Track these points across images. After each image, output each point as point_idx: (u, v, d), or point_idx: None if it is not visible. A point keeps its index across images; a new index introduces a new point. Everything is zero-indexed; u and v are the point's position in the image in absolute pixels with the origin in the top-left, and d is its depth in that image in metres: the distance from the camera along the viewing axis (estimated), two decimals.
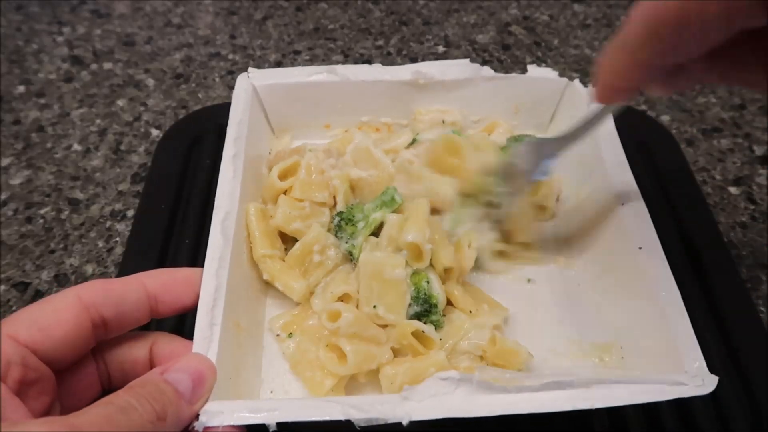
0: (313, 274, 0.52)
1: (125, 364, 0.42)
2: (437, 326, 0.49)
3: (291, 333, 0.50)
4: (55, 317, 0.37)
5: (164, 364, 0.39)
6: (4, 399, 0.33)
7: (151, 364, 0.43)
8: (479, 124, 0.65)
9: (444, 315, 0.50)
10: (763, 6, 0.26)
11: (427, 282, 0.49)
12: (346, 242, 0.52)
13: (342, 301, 0.49)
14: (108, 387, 0.42)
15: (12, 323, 0.36)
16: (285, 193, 0.55)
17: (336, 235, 0.53)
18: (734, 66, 0.34)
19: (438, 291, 0.50)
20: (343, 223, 0.53)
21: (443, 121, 0.63)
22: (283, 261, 0.53)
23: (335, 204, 0.56)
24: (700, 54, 0.31)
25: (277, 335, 0.50)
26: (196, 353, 0.40)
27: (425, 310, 0.49)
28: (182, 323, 0.51)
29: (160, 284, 0.42)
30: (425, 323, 0.48)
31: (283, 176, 0.55)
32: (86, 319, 0.38)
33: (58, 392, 0.38)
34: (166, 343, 0.43)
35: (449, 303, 0.51)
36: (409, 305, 0.49)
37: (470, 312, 0.50)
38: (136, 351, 0.42)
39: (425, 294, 0.49)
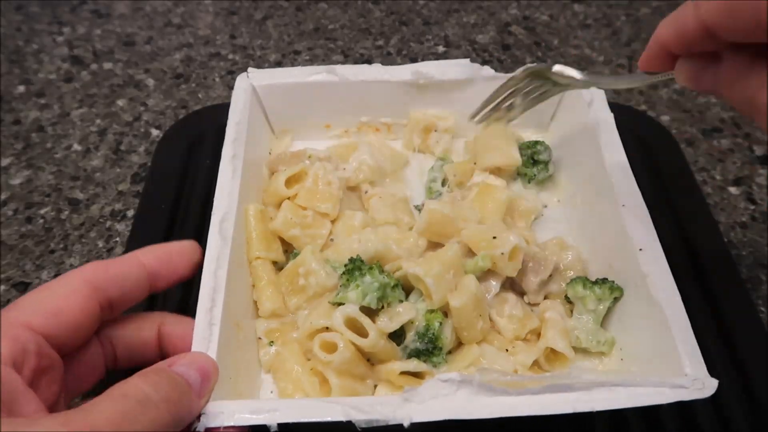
0: (297, 297, 0.51)
1: (134, 345, 0.42)
2: (436, 366, 0.47)
3: (272, 341, 0.49)
4: (65, 302, 0.37)
5: (170, 357, 0.38)
6: (18, 392, 0.32)
7: (160, 344, 0.43)
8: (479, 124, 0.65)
9: (450, 352, 0.49)
10: None
11: (440, 323, 0.47)
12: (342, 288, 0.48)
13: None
14: (113, 367, 0.42)
15: (24, 309, 0.36)
16: (290, 199, 0.55)
17: (345, 276, 0.48)
18: (748, 84, 0.32)
19: (447, 336, 0.47)
20: (356, 272, 0.47)
21: (435, 130, 0.63)
22: (275, 263, 0.53)
23: (337, 217, 0.55)
24: (727, 44, 0.31)
25: (259, 338, 0.50)
26: (199, 351, 0.40)
27: (428, 349, 0.46)
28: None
29: (157, 259, 0.42)
30: (424, 362, 0.47)
31: (288, 183, 0.55)
32: (95, 303, 0.38)
33: (65, 378, 0.37)
34: (174, 323, 0.43)
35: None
36: (413, 340, 0.47)
37: (506, 350, 0.48)
38: (144, 332, 0.43)
39: (433, 334, 0.46)
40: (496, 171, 0.59)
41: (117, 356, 0.42)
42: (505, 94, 0.58)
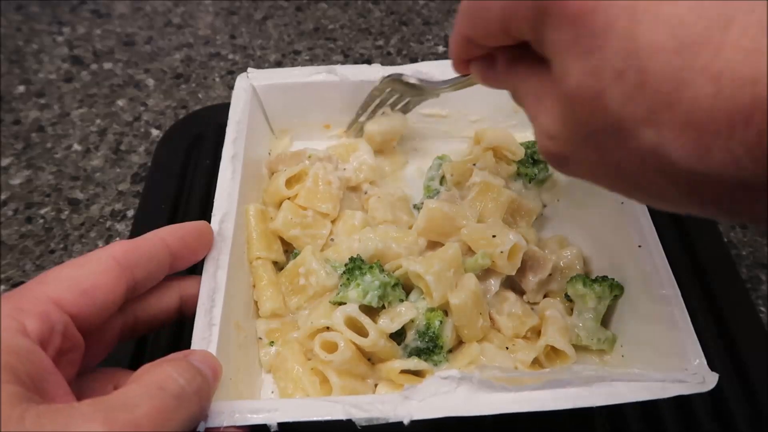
0: (297, 297, 0.51)
1: (156, 315, 0.42)
2: (437, 365, 0.47)
3: (273, 341, 0.49)
4: (96, 281, 0.36)
5: (181, 351, 0.38)
6: (48, 372, 0.31)
7: (182, 308, 0.43)
8: (477, 124, 0.65)
9: (450, 351, 0.48)
10: (529, 21, 0.28)
11: (440, 322, 0.47)
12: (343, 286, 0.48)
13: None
14: (130, 337, 0.42)
15: (53, 284, 0.34)
16: (290, 199, 0.55)
17: (345, 276, 0.49)
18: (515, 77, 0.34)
19: (448, 335, 0.47)
20: (357, 271, 0.48)
21: None
22: (276, 263, 0.53)
23: (338, 217, 0.55)
24: (492, 47, 0.33)
25: (259, 338, 0.49)
26: (205, 350, 0.40)
27: (428, 348, 0.46)
28: (181, 325, 0.51)
29: (179, 240, 0.42)
30: (425, 360, 0.47)
31: (289, 184, 0.55)
32: (123, 283, 0.37)
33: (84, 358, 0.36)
34: (194, 285, 0.43)
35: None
36: (413, 339, 0.47)
37: (506, 348, 0.48)
38: (166, 299, 0.43)
39: (434, 333, 0.46)
40: (495, 169, 0.59)
41: (137, 327, 0.42)
42: (373, 105, 0.61)
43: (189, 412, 0.32)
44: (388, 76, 0.58)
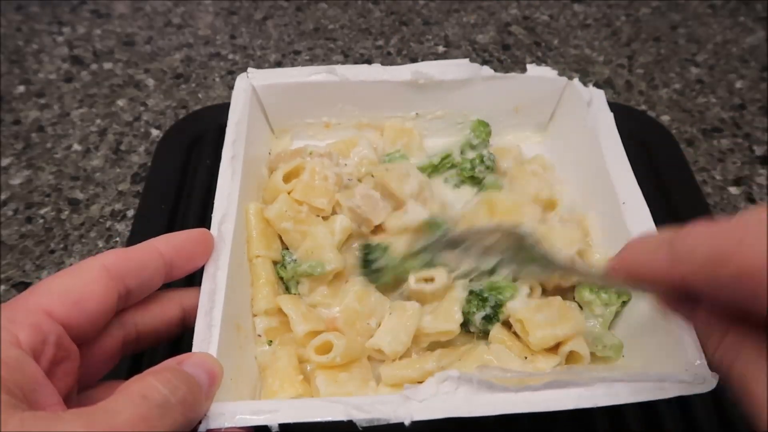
0: None
1: (158, 327, 0.42)
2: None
3: (271, 341, 0.49)
4: (86, 290, 0.36)
5: (178, 356, 0.38)
6: (38, 382, 0.31)
7: (185, 320, 0.43)
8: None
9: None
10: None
11: (511, 295, 0.48)
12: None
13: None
14: (134, 351, 0.42)
15: (44, 295, 0.35)
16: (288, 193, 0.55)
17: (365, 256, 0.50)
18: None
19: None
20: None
21: None
22: (276, 262, 0.53)
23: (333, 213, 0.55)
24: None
25: (258, 335, 0.49)
26: (205, 352, 0.40)
27: (488, 315, 0.48)
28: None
29: (174, 248, 0.42)
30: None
31: (286, 179, 0.55)
32: (114, 291, 0.37)
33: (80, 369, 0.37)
34: (195, 297, 0.43)
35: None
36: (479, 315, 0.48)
37: (525, 358, 0.47)
38: (167, 311, 0.42)
39: (498, 301, 0.48)
40: None
41: (140, 340, 0.41)
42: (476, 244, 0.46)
43: (173, 420, 0.32)
44: (506, 228, 0.43)
